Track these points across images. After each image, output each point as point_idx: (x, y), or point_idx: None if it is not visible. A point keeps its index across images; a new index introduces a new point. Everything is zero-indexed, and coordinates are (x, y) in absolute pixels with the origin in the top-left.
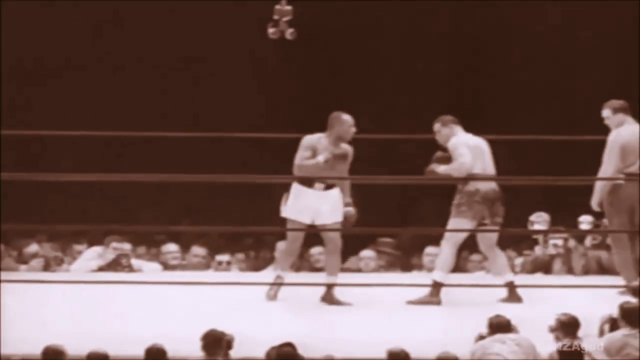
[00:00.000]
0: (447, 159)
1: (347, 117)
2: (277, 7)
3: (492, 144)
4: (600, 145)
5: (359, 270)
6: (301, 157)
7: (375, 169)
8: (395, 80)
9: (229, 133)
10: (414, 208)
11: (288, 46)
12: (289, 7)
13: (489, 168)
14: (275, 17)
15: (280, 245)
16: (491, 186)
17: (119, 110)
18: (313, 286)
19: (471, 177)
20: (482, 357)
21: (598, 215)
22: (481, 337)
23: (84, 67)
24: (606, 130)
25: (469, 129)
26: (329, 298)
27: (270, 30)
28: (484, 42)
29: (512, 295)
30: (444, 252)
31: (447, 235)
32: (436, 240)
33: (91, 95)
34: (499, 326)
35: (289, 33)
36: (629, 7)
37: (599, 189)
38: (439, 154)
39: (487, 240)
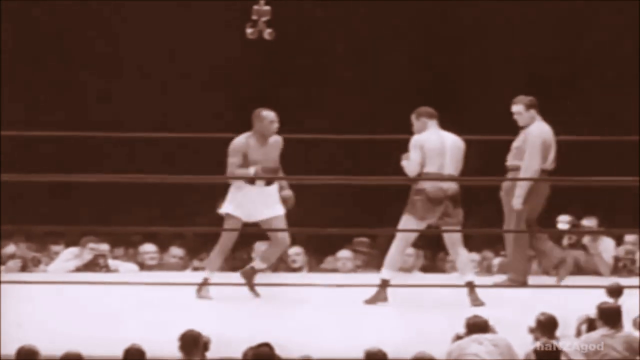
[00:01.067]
0: None
1: (266, 113)
2: (256, 7)
3: (468, 143)
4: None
5: (335, 270)
6: (231, 164)
7: (349, 168)
8: (368, 79)
9: (208, 134)
10: (389, 208)
11: (262, 45)
12: (267, 7)
13: (448, 168)
14: (254, 17)
15: (259, 246)
16: (440, 186)
17: (92, 110)
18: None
19: (422, 177)
20: (459, 357)
21: (576, 215)
22: (458, 337)
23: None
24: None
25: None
26: (249, 274)
27: (249, 31)
28: (462, 38)
29: (472, 296)
30: (392, 249)
31: (398, 234)
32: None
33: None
34: (476, 326)
35: (267, 33)
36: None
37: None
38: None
39: (447, 239)
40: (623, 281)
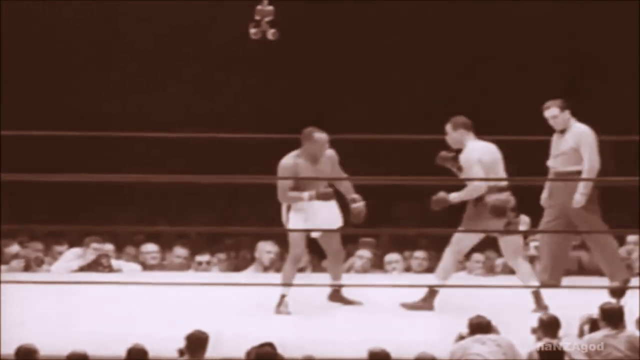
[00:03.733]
0: (452, 159)
1: (319, 136)
2: (259, 7)
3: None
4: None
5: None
6: (284, 189)
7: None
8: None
9: (208, 134)
10: (389, 209)
11: (282, 45)
12: (270, 8)
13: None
14: (257, 17)
15: (262, 246)
16: (503, 198)
17: (96, 109)
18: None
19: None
20: (462, 357)
21: None
22: (461, 337)
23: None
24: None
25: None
26: (336, 297)
27: (252, 31)
28: (484, 37)
29: (538, 304)
30: (445, 261)
31: (451, 243)
32: (414, 243)
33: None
34: (479, 326)
35: (271, 33)
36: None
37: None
38: (443, 153)
39: (506, 249)
40: None
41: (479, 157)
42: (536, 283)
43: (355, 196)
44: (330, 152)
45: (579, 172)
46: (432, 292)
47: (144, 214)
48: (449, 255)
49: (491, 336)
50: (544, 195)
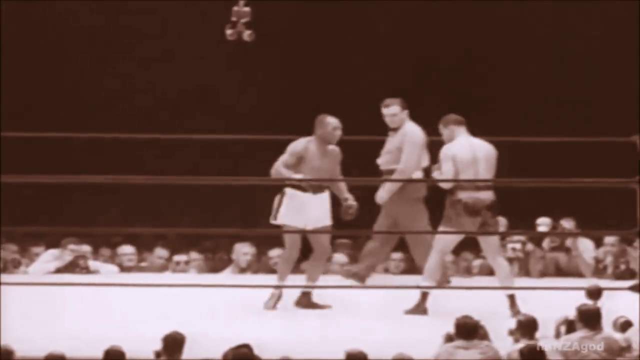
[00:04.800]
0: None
1: (330, 120)
2: (235, 8)
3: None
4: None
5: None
6: (282, 162)
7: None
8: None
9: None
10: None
11: (276, 46)
12: (247, 9)
13: (482, 177)
14: (233, 18)
15: (239, 247)
16: (478, 196)
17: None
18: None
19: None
20: None
21: (555, 218)
22: (449, 337)
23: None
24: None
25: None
26: (304, 302)
27: (228, 32)
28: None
29: (513, 309)
30: (430, 263)
31: (434, 246)
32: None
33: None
34: (466, 327)
35: (247, 35)
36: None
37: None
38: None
39: (487, 249)
40: (603, 283)
41: (455, 153)
42: (514, 284)
43: (348, 195)
44: (336, 148)
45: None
46: (424, 295)
47: (122, 215)
48: (433, 256)
49: (476, 342)
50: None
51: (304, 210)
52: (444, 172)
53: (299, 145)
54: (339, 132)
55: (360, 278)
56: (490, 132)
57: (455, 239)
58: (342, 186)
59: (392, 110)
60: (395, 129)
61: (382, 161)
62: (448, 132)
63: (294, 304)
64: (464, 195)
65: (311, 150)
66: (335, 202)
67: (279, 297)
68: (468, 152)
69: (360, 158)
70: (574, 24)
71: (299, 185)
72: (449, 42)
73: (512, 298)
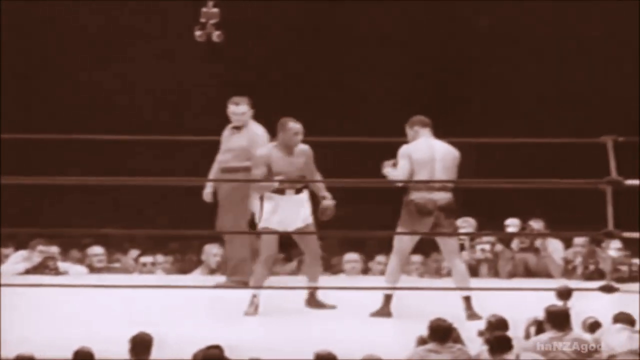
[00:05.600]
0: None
1: (292, 125)
2: (204, 9)
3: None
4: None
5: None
6: (255, 176)
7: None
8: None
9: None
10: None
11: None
12: (215, 10)
13: (438, 178)
14: (202, 19)
15: (208, 248)
16: (430, 197)
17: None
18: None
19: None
20: None
21: (524, 218)
22: (422, 340)
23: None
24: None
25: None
26: (312, 302)
27: (197, 33)
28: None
29: (468, 311)
30: (390, 266)
31: (394, 248)
32: (355, 246)
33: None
34: (439, 329)
35: (216, 35)
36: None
37: None
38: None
39: (444, 250)
40: (572, 283)
41: (410, 152)
42: (470, 285)
43: (326, 194)
44: (305, 147)
45: (247, 168)
46: (387, 298)
47: (92, 216)
48: (392, 258)
49: (449, 345)
50: (209, 190)
51: (279, 213)
52: (399, 169)
53: (263, 151)
54: (299, 137)
55: None
56: (490, 133)
57: (411, 240)
58: (320, 185)
59: (242, 109)
60: (239, 128)
61: (224, 159)
62: (412, 133)
63: (305, 304)
64: (415, 196)
65: (275, 155)
66: (315, 202)
67: (257, 303)
68: (425, 152)
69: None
70: (574, 24)
71: (278, 189)
72: (446, 43)
73: (467, 300)
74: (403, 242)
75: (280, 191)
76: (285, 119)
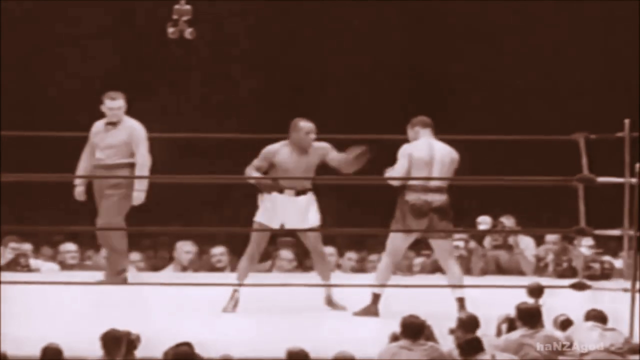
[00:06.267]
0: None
1: (304, 124)
2: (177, 6)
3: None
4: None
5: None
6: (252, 167)
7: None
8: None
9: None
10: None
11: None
12: (188, 7)
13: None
14: (175, 16)
15: (180, 245)
16: (425, 198)
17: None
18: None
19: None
20: None
21: (495, 216)
22: (394, 337)
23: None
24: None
25: None
26: (329, 302)
27: (170, 30)
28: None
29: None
30: (381, 265)
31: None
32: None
33: None
34: (412, 326)
35: (189, 32)
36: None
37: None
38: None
39: (438, 252)
40: (544, 281)
41: (411, 152)
42: (462, 292)
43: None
44: (323, 144)
45: (129, 165)
46: (375, 297)
47: (64, 213)
48: (384, 258)
49: (421, 343)
50: (82, 189)
51: (278, 211)
52: (397, 168)
53: (270, 149)
54: (312, 137)
55: None
56: (461, 130)
57: (405, 240)
58: (340, 157)
59: (119, 104)
60: (115, 123)
61: (105, 155)
62: (413, 134)
63: (324, 303)
64: (411, 197)
65: (283, 154)
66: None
67: (238, 298)
68: (425, 153)
69: None
70: (574, 24)
71: (276, 187)
72: (438, 42)
73: (461, 301)
74: (396, 242)
75: (279, 190)
76: (298, 119)
